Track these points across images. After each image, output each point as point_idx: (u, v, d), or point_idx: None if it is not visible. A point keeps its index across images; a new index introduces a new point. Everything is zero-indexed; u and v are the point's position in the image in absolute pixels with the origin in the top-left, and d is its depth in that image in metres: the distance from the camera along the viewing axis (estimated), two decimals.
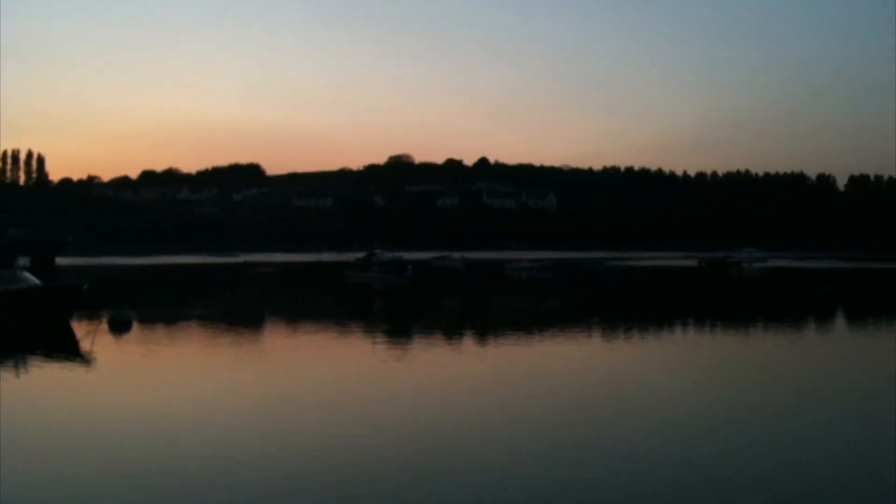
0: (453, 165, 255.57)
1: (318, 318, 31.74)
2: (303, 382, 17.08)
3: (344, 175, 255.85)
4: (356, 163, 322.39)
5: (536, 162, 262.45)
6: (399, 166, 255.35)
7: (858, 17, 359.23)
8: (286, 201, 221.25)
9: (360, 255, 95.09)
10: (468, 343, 24.02)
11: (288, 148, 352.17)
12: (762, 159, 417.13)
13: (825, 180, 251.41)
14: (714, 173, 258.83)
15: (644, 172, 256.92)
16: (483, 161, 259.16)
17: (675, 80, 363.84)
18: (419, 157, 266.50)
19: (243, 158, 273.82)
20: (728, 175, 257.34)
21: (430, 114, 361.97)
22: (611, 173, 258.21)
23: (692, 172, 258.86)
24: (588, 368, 18.86)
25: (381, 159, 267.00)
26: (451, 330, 27.14)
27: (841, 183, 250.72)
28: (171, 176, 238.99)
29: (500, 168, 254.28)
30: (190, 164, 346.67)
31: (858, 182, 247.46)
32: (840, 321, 32.62)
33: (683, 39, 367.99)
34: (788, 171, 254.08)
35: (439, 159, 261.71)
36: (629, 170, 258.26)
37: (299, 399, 14.97)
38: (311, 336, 25.34)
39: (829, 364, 20.22)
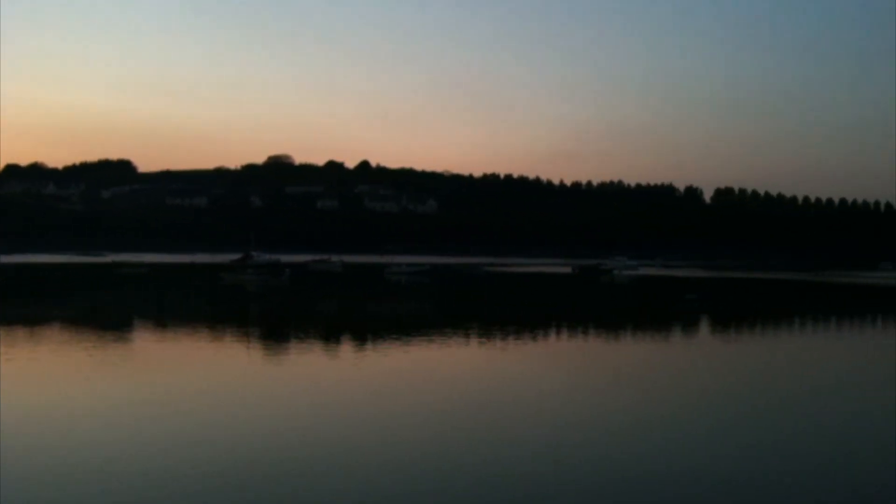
0: (334, 167, 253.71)
1: (187, 322, 30.75)
2: (162, 389, 16.43)
3: (220, 174, 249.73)
4: (234, 162, 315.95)
5: (418, 167, 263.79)
6: (278, 167, 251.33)
7: (734, 36, 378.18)
8: (159, 200, 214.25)
9: (236, 256, 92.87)
10: (342, 348, 23.77)
11: (161, 144, 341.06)
12: (635, 170, 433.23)
13: (693, 192, 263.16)
14: (589, 183, 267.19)
15: (523, 180, 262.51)
16: (365, 164, 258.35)
17: (555, 91, 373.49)
18: (299, 158, 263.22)
19: (114, 154, 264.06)
20: (602, 185, 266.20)
21: (312, 114, 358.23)
22: (491, 180, 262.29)
23: (569, 181, 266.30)
24: (461, 373, 18.96)
25: (259, 159, 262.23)
26: (325, 334, 26.80)
27: (707, 195, 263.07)
28: (37, 170, 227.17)
29: (382, 172, 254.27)
30: (57, 158, 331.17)
31: (724, 194, 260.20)
32: (699, 327, 34.06)
33: (564, 51, 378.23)
34: (659, 182, 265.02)
35: (320, 161, 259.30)
36: (508, 177, 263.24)
37: (153, 405, 14.38)
38: (178, 340, 24.50)
39: (682, 367, 21.03)
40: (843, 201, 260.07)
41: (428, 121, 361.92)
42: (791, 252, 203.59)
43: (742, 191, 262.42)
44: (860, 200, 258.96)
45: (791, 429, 13.37)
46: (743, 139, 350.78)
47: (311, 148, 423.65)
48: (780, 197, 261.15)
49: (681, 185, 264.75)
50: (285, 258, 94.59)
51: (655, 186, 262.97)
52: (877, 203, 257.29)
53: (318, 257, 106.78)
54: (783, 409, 15.23)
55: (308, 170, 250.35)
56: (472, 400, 15.50)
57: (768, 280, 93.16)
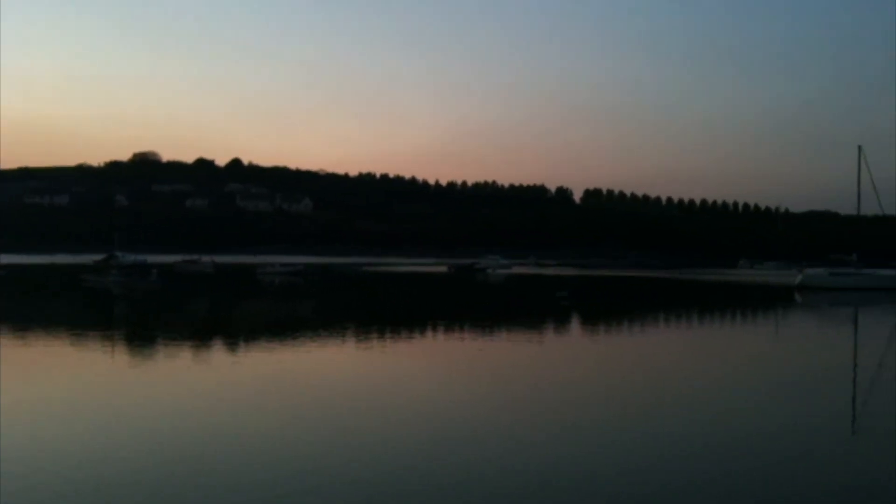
0: (204, 165, 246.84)
1: (44, 325, 28.92)
2: (10, 398, 15.26)
3: (83, 171, 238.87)
4: (97, 159, 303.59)
5: (293, 165, 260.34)
6: (145, 164, 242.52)
7: (605, 42, 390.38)
8: (16, 198, 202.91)
9: (99, 257, 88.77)
10: (211, 352, 22.87)
11: (19, 140, 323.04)
12: (509, 172, 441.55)
13: (564, 193, 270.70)
14: (464, 183, 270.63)
15: (399, 179, 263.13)
16: (236, 162, 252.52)
17: (433, 91, 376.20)
18: (167, 155, 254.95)
19: None
20: (477, 185, 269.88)
21: (180, 111, 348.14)
22: (367, 179, 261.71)
23: (444, 181, 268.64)
24: (334, 375, 18.52)
25: (124, 156, 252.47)
26: (195, 338, 25.76)
27: (578, 195, 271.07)
28: None
29: (255, 170, 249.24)
30: None
31: (592, 195, 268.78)
32: (569, 323, 34.76)
33: (442, 51, 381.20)
34: (531, 183, 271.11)
35: (189, 158, 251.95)
36: (385, 176, 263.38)
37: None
38: (31, 345, 22.98)
39: (549, 362, 21.31)
40: (703, 202, 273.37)
41: (303, 119, 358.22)
42: (657, 250, 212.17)
43: (610, 192, 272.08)
44: (720, 201, 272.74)
45: (657, 419, 13.61)
46: (612, 142, 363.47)
47: (179, 145, 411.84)
48: (646, 197, 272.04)
49: (552, 186, 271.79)
50: (153, 259, 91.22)
51: (528, 187, 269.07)
52: (735, 203, 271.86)
53: (187, 258, 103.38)
54: (650, 398, 15.55)
55: (176, 167, 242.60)
56: (340, 400, 15.11)
57: (635, 278, 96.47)
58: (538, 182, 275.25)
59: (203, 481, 9.81)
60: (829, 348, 27.82)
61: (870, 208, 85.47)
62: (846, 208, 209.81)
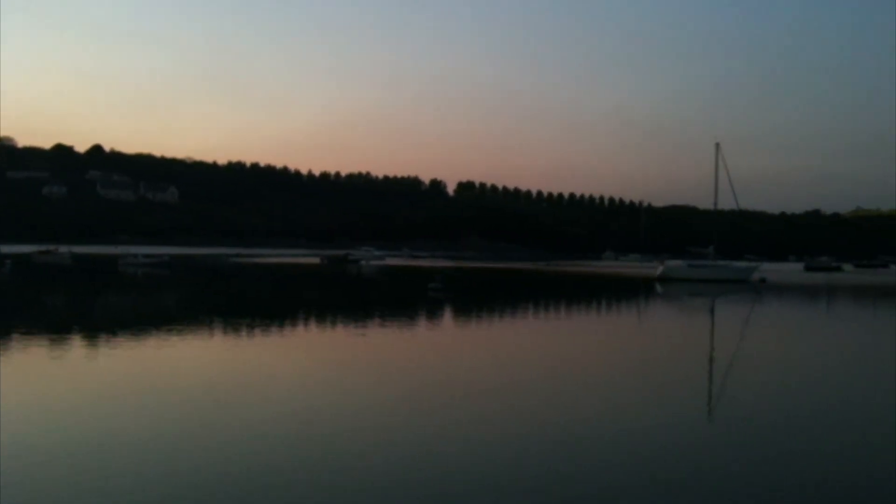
0: (62, 152, 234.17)
1: None
2: None
3: None
4: None
5: (158, 152, 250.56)
6: None
7: (478, 39, 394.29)
8: None
9: None
10: (68, 347, 21.58)
11: None
12: (383, 163, 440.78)
13: (437, 185, 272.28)
14: (338, 174, 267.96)
15: (270, 169, 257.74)
16: (97, 148, 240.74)
17: (306, 79, 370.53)
18: (23, 140, 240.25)
19: None
20: (351, 176, 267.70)
21: (36, 95, 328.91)
22: (237, 168, 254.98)
23: (317, 172, 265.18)
24: (196, 369, 17.79)
25: None
26: (50, 332, 24.26)
27: (451, 188, 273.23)
28: None
29: (117, 157, 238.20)
30: None
31: (465, 188, 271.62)
32: (440, 314, 34.89)
33: (316, 40, 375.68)
34: (406, 175, 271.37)
35: (46, 144, 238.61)
36: (255, 166, 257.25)
37: None
38: None
39: (420, 351, 21.27)
40: (571, 196, 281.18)
41: (170, 105, 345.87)
42: (528, 243, 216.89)
43: (482, 185, 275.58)
44: (587, 195, 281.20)
45: (512, 407, 13.72)
46: (486, 136, 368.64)
47: (35, 130, 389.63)
48: (517, 191, 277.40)
49: (426, 179, 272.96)
50: (6, 249, 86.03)
51: (402, 179, 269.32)
52: (601, 198, 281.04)
53: (43, 248, 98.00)
54: (508, 388, 15.68)
55: (32, 154, 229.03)
56: (203, 394, 14.51)
57: (506, 270, 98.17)
58: (412, 174, 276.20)
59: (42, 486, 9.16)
60: (687, 337, 28.97)
61: (726, 203, 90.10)
62: (705, 203, 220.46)
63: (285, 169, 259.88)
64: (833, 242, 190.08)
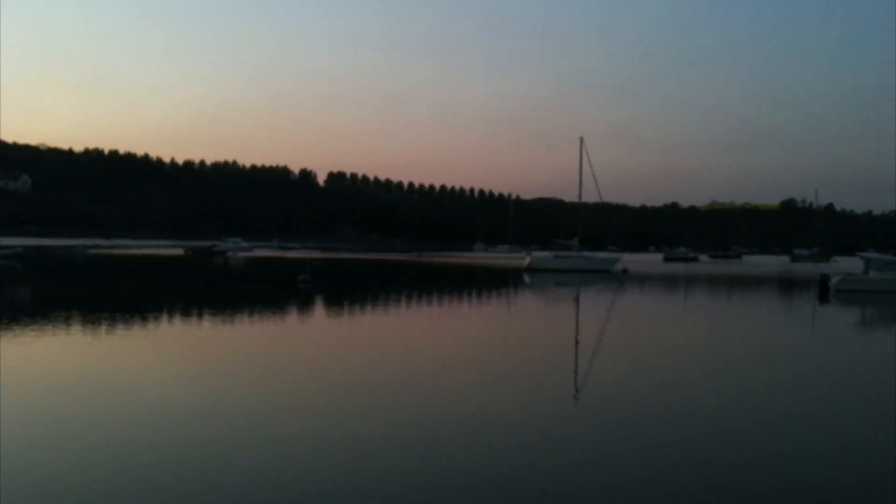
0: None
1: None
2: None
3: None
4: None
5: (9, 139, 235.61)
6: None
7: (347, 30, 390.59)
8: None
9: None
10: None
11: None
12: (250, 152, 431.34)
13: (307, 175, 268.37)
14: (202, 162, 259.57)
15: (130, 157, 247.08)
16: None
17: (170, 66, 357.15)
18: None
19: None
20: (217, 165, 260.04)
21: None
22: (94, 156, 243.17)
23: (181, 160, 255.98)
24: (55, 367, 16.70)
25: None
26: None
27: (321, 178, 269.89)
28: None
29: None
30: None
31: (336, 178, 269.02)
32: (310, 306, 34.35)
33: (180, 25, 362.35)
34: (274, 164, 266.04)
35: None
36: (114, 153, 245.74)
37: None
38: None
39: (285, 344, 20.82)
40: (443, 187, 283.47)
41: (23, 91, 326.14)
42: (399, 234, 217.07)
43: (353, 175, 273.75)
44: (458, 187, 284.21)
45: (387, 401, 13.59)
46: (357, 127, 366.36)
47: None
48: (389, 182, 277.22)
49: (296, 169, 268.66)
50: None
51: (271, 169, 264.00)
52: (472, 190, 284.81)
53: None
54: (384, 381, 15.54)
55: None
56: (61, 394, 13.62)
57: (377, 261, 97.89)
58: (281, 164, 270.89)
59: None
60: (553, 325, 29.62)
61: (591, 196, 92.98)
62: (570, 195, 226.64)
63: (147, 157, 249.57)
64: (690, 234, 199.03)
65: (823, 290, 47.25)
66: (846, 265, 68.67)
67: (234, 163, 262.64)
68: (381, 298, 38.99)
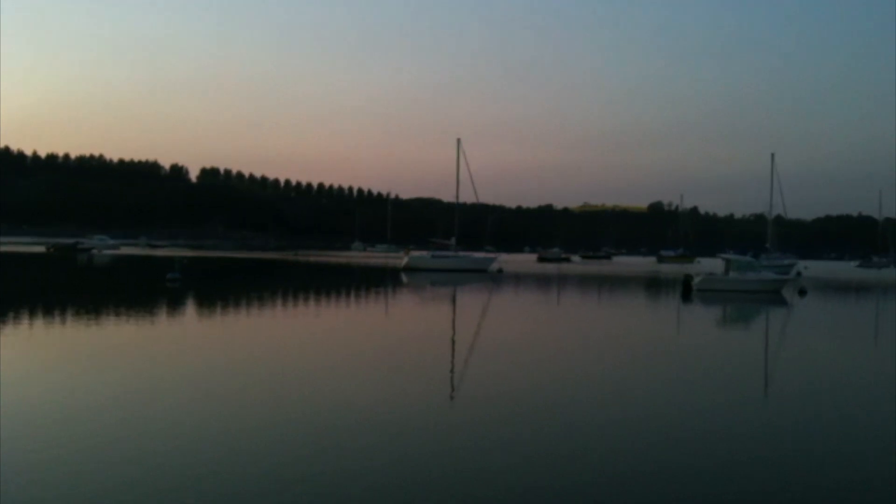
0: None
1: None
2: None
3: None
4: None
5: None
6: None
7: (221, 20, 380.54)
8: None
9: None
10: None
11: None
12: (118, 145, 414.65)
13: (179, 170, 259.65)
14: (67, 156, 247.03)
15: None
16: None
17: (30, 54, 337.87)
18: None
19: None
20: (82, 159, 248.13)
21: None
22: None
23: (43, 153, 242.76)
24: None
25: None
26: None
27: (194, 174, 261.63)
28: None
29: None
30: None
31: (209, 174, 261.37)
32: (178, 306, 33.23)
33: (47, 11, 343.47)
34: (144, 158, 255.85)
35: None
36: None
37: None
38: None
39: (152, 346, 20.06)
40: (321, 185, 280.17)
41: None
42: (275, 231, 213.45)
43: (227, 171, 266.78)
44: (336, 185, 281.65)
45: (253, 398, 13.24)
46: (230, 121, 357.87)
47: None
48: (264, 179, 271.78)
49: (166, 163, 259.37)
50: None
51: (140, 163, 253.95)
52: (350, 188, 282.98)
53: None
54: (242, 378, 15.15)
55: None
56: None
57: (251, 259, 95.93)
58: (151, 158, 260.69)
59: None
60: (429, 324, 29.71)
61: (468, 196, 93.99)
62: (448, 195, 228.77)
63: (7, 150, 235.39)
64: (563, 234, 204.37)
65: (686, 290, 49.27)
66: (708, 266, 71.92)
67: (101, 157, 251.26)
68: (255, 298, 38.09)
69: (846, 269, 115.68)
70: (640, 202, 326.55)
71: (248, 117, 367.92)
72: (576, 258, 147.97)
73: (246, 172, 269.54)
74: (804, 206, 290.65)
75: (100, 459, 9.75)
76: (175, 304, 33.66)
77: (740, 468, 10.28)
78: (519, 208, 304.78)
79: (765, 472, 10.13)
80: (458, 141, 79.86)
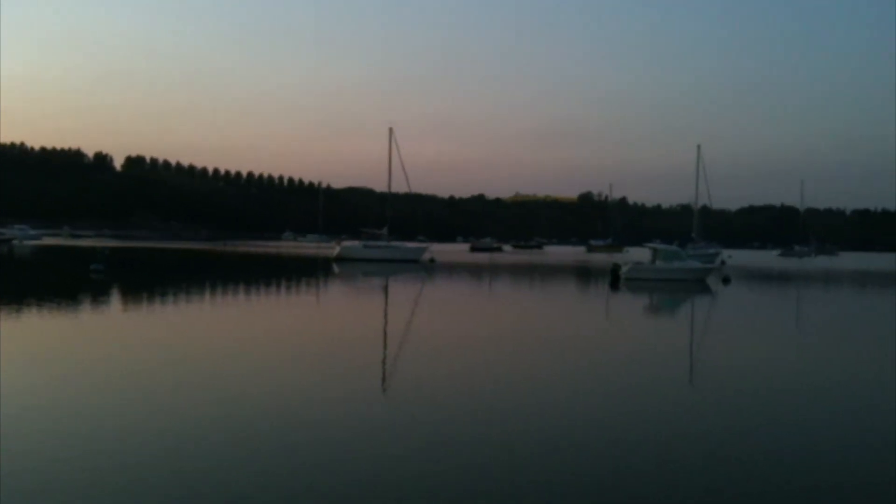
0: None
1: None
2: None
3: None
4: None
5: None
6: None
7: (144, 4, 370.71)
8: None
9: None
10: None
11: None
12: (39, 134, 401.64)
13: (103, 159, 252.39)
14: None
15: None
16: None
17: None
18: None
19: None
20: (1, 147, 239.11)
21: None
22: None
23: None
24: None
25: None
26: None
27: (118, 163, 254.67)
28: None
29: None
30: None
31: (135, 163, 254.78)
32: (103, 298, 32.39)
33: None
34: (66, 147, 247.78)
35: None
36: None
37: None
38: None
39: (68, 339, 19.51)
40: (250, 174, 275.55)
41: None
42: (203, 222, 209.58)
43: (154, 160, 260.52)
44: (266, 175, 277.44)
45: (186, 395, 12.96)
46: (156, 109, 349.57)
47: None
48: (192, 168, 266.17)
49: (90, 152, 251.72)
50: None
51: (62, 151, 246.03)
52: (281, 178, 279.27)
53: None
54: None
55: None
56: None
57: (180, 250, 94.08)
58: (74, 146, 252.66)
59: None
60: (360, 314, 29.53)
61: (400, 186, 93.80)
62: (380, 185, 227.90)
63: None
64: (495, 225, 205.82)
65: (615, 279, 50.06)
66: (636, 255, 73.28)
67: (22, 145, 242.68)
68: (181, 290, 37.29)
69: (768, 259, 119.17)
70: (571, 193, 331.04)
71: (177, 105, 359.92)
72: (508, 248, 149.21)
73: (174, 161, 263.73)
74: (729, 198, 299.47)
75: None
76: (98, 295, 32.74)
77: (666, 445, 10.69)
78: (452, 199, 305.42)
79: (688, 447, 10.68)
80: (391, 130, 79.72)
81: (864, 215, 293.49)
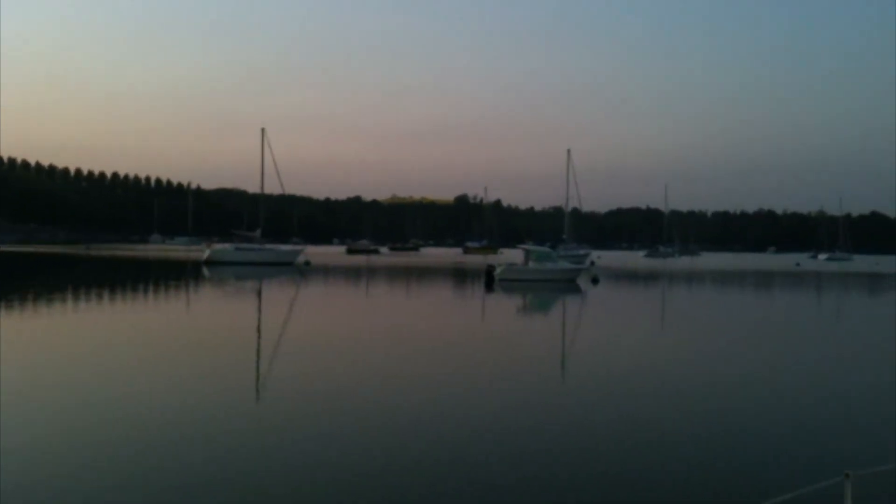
0: None
1: None
2: None
3: None
4: None
5: None
6: None
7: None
8: None
9: None
10: None
11: None
12: None
13: None
14: None
15: None
16: None
17: None
18: None
19: None
20: None
21: None
22: None
23: None
24: None
25: None
26: None
27: None
28: None
29: None
30: None
31: None
32: None
33: None
34: None
35: None
36: None
37: None
38: None
39: None
40: (115, 175, 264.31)
41: None
42: (63, 224, 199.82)
43: (11, 160, 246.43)
44: (132, 175, 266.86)
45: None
46: (9, 107, 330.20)
47: None
48: (52, 168, 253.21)
49: None
50: None
51: None
52: (147, 178, 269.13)
53: None
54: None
55: None
56: None
57: (35, 254, 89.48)
58: None
59: None
60: (233, 321, 28.80)
61: (274, 187, 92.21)
62: (253, 186, 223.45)
63: None
64: (372, 227, 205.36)
65: (489, 280, 50.82)
66: (510, 256, 74.67)
67: None
68: (36, 296, 35.33)
69: (635, 259, 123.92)
70: (447, 195, 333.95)
71: (32, 101, 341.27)
72: (384, 250, 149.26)
73: (31, 161, 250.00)
74: (598, 200, 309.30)
75: None
76: None
77: (539, 434, 11.28)
78: (327, 200, 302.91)
79: (561, 436, 11.31)
80: (263, 130, 78.22)
81: (724, 217, 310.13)
